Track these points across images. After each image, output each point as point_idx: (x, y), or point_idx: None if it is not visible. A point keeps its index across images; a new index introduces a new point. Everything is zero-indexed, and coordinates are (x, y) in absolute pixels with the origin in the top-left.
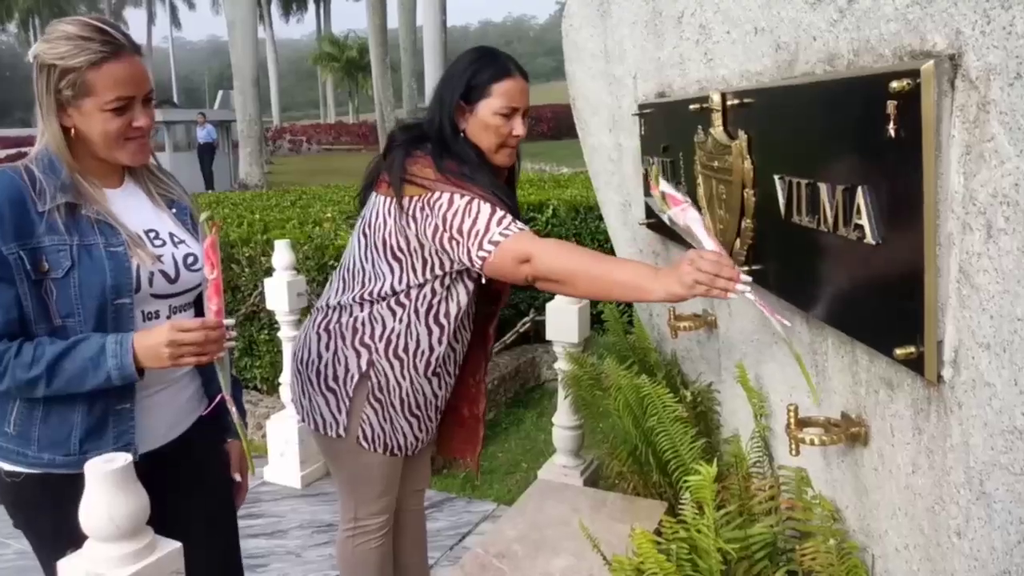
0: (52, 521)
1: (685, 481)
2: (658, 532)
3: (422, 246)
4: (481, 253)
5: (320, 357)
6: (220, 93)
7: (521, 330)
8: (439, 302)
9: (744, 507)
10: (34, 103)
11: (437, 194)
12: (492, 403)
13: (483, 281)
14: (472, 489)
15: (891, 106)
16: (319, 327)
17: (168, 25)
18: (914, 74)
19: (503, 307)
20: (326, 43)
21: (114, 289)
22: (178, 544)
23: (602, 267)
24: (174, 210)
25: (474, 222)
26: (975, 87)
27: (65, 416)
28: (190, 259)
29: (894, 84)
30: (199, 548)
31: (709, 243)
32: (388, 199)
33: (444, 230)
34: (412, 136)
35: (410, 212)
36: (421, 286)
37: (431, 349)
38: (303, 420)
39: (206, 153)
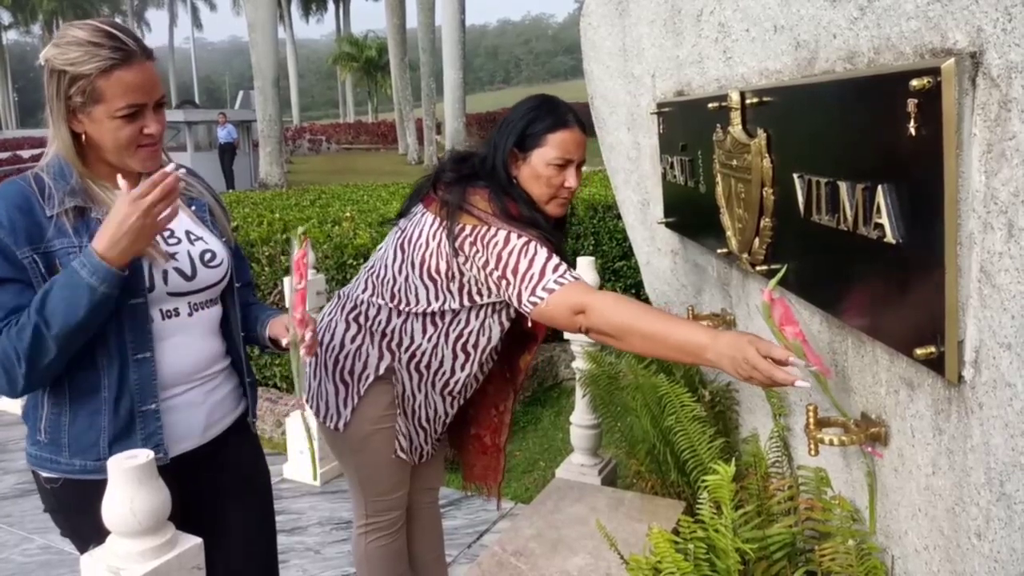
0: (92, 524)
1: (703, 480)
2: (676, 532)
3: (461, 274)
4: (533, 299)
5: (342, 346)
6: (240, 93)
7: None
8: (471, 332)
9: (763, 507)
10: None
11: (493, 231)
12: None
13: (529, 324)
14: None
15: (912, 104)
16: (348, 315)
17: (190, 26)
18: (935, 72)
19: (538, 347)
20: (345, 43)
21: (126, 289)
22: (199, 540)
23: (657, 327)
24: (193, 207)
25: (530, 264)
26: (996, 85)
27: (92, 420)
28: (207, 255)
29: (915, 82)
30: (238, 552)
31: (803, 360)
32: (436, 221)
33: (496, 268)
34: (464, 173)
35: (459, 242)
36: (456, 312)
37: (452, 373)
38: (308, 400)
39: (226, 153)
